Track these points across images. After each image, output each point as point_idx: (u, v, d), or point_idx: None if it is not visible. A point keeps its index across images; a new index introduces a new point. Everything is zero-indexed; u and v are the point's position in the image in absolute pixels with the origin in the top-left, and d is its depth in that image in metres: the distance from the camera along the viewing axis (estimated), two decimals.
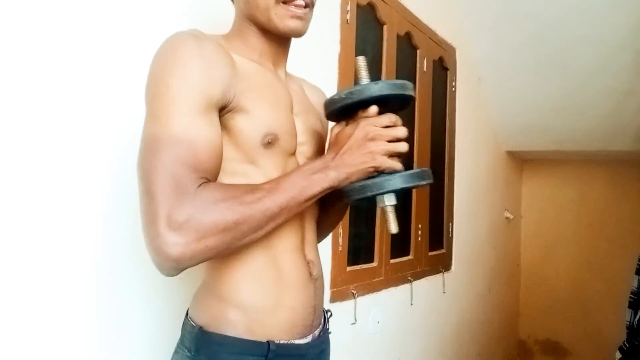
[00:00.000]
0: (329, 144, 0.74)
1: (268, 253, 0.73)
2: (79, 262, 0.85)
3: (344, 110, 0.72)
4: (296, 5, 0.73)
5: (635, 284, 1.98)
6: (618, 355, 1.97)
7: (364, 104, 0.70)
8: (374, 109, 0.70)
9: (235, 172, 0.70)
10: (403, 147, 0.70)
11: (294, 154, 0.78)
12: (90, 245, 0.87)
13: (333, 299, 1.52)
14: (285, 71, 0.85)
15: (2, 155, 0.76)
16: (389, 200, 0.71)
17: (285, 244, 0.75)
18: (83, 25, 0.86)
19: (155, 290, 0.97)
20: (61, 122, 0.83)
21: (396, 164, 0.70)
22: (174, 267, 0.60)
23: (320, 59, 1.48)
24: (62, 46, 0.83)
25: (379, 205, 0.72)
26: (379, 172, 0.70)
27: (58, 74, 0.82)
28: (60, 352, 0.82)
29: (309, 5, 0.75)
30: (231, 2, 0.83)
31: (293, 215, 0.69)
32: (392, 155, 0.70)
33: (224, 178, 0.70)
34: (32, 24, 0.79)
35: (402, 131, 0.70)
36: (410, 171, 0.70)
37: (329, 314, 0.87)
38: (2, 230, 0.76)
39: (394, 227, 0.72)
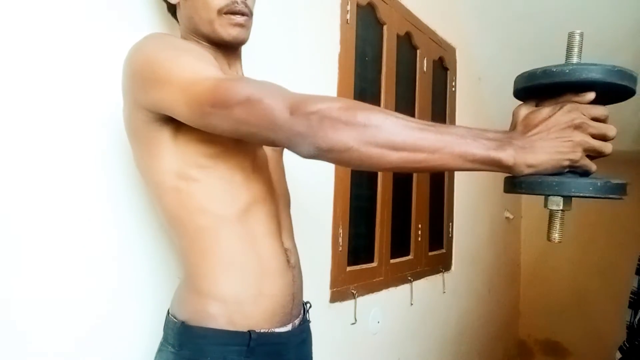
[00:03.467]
0: (513, 124, 0.62)
1: (244, 242, 0.74)
2: (75, 260, 0.85)
3: (543, 89, 0.61)
4: (237, 14, 0.76)
5: (635, 284, 1.98)
6: (618, 355, 1.97)
7: (575, 87, 0.59)
8: (591, 95, 0.58)
9: (204, 165, 0.72)
10: (609, 148, 0.59)
11: (261, 145, 0.81)
12: (85, 243, 0.87)
13: (333, 299, 1.52)
14: (243, 74, 0.87)
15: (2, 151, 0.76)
16: (565, 205, 0.59)
17: (262, 230, 0.77)
18: (84, 25, 0.86)
19: (144, 289, 0.97)
20: (61, 119, 0.83)
21: (593, 166, 0.60)
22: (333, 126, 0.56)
23: (320, 59, 1.48)
24: (63, 46, 0.83)
25: (550, 206, 0.60)
26: (570, 170, 0.59)
27: (57, 74, 0.83)
28: (52, 350, 0.82)
29: (248, 14, 0.78)
30: (175, 19, 0.86)
31: (436, 167, 0.58)
32: (593, 155, 0.59)
33: (192, 171, 0.72)
34: (32, 25, 0.79)
35: (613, 130, 0.59)
36: (612, 180, 0.58)
37: (308, 305, 0.88)
38: None
39: (557, 236, 0.61)
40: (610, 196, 0.58)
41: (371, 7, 1.77)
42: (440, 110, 2.36)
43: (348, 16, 1.59)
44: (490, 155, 0.56)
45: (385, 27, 1.85)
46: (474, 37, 2.58)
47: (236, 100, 0.59)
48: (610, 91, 0.59)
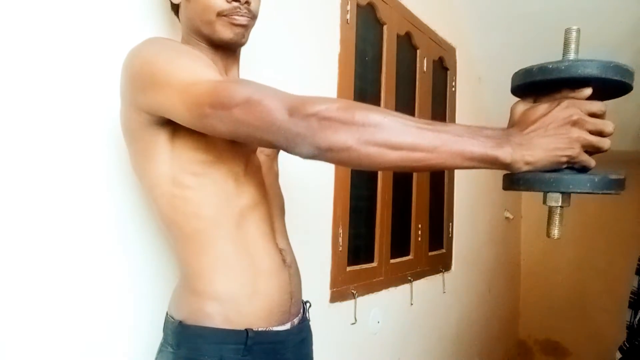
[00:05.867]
0: (510, 121, 0.62)
1: (239, 243, 0.75)
2: (74, 262, 0.85)
3: (540, 86, 0.61)
4: (238, 15, 0.76)
5: (635, 284, 1.98)
6: (618, 355, 1.97)
7: (571, 83, 0.58)
8: (587, 91, 0.58)
9: (198, 173, 0.73)
10: (607, 144, 0.58)
11: (255, 150, 0.82)
12: (84, 245, 0.87)
13: (333, 299, 1.52)
14: (239, 77, 0.88)
15: (5, 151, 0.76)
16: (564, 202, 0.59)
17: (256, 232, 0.78)
18: (86, 25, 0.86)
19: (144, 290, 0.97)
20: (62, 121, 0.83)
21: (592, 161, 0.59)
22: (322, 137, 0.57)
23: (320, 59, 1.48)
24: (63, 47, 0.83)
25: (549, 203, 0.60)
26: (568, 166, 0.58)
27: (58, 75, 0.83)
28: (50, 351, 0.82)
29: (251, 16, 0.78)
30: (177, 18, 0.86)
31: (434, 166, 0.58)
32: (591, 151, 0.58)
33: (186, 178, 0.72)
34: (33, 25, 0.79)
35: (611, 126, 0.58)
36: (610, 175, 0.57)
37: (307, 304, 0.89)
38: None
39: (557, 232, 0.61)
40: (608, 192, 0.58)
41: (371, 7, 1.77)
42: (440, 110, 2.36)
43: (348, 16, 1.59)
44: (488, 153, 0.56)
45: (385, 27, 1.85)
46: (474, 37, 2.58)
47: (235, 102, 0.59)
48: (607, 87, 0.59)
